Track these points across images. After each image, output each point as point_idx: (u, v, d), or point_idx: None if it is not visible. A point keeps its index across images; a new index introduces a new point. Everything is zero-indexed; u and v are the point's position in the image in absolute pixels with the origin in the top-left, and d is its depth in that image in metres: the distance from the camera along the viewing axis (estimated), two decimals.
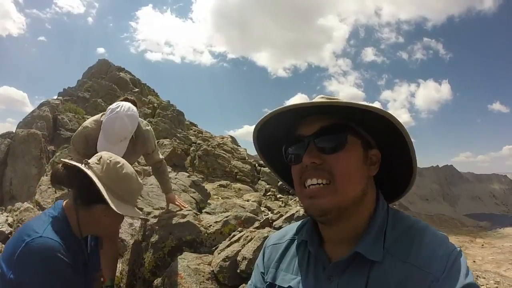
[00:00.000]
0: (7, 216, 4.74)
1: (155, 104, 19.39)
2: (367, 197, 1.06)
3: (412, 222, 1.04)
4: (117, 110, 2.94)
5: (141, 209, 4.66)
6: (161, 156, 3.97)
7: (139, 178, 1.96)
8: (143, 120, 3.64)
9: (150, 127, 3.66)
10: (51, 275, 1.57)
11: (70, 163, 1.82)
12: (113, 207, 1.73)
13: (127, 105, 3.02)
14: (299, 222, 1.30)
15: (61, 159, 1.87)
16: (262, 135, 1.19)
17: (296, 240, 1.23)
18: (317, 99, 1.10)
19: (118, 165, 1.86)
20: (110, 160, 1.85)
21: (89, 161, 1.84)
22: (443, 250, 0.93)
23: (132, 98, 3.28)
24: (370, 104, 0.97)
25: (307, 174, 1.05)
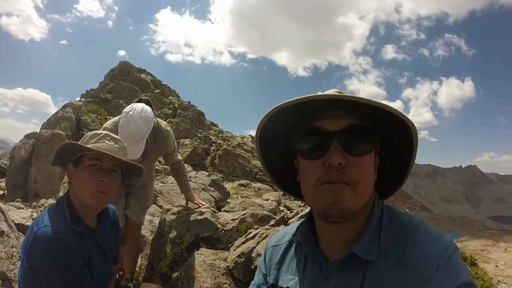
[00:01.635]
0: (31, 212, 4.89)
1: (176, 105, 19.63)
2: (369, 200, 1.06)
3: (406, 219, 1.04)
4: (130, 113, 3.02)
5: (160, 206, 4.79)
6: (179, 157, 4.03)
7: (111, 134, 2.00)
8: (163, 121, 3.73)
9: (170, 128, 3.76)
10: (57, 263, 1.67)
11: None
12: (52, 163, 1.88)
13: (140, 106, 3.08)
14: (297, 224, 1.30)
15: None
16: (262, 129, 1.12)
17: (294, 242, 1.24)
18: (333, 91, 1.07)
19: (91, 130, 1.97)
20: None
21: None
22: (437, 248, 0.93)
23: (146, 98, 3.35)
24: (399, 110, 0.96)
25: (331, 174, 0.98)
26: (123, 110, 3.12)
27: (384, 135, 1.08)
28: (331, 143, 0.99)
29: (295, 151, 1.12)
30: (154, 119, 3.43)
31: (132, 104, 3.19)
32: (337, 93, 1.02)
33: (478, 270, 5.68)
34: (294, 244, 1.23)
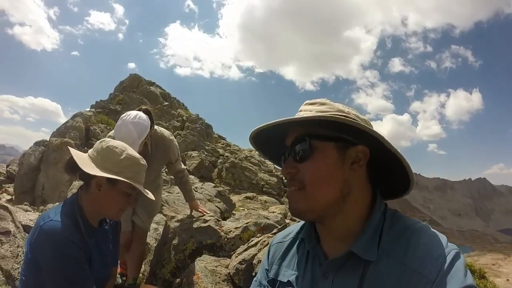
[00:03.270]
0: (39, 215, 5.00)
1: (184, 117, 19.80)
2: (351, 197, 1.06)
3: (410, 222, 1.04)
4: (124, 118, 3.06)
5: (166, 215, 4.85)
6: (183, 166, 4.07)
7: (130, 152, 2.01)
8: (167, 131, 3.79)
9: (173, 137, 3.80)
10: (59, 255, 1.73)
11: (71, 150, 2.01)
12: (86, 169, 1.85)
13: (134, 112, 3.12)
14: (302, 222, 1.29)
15: (72, 149, 2.03)
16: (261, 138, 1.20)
17: (298, 239, 1.26)
18: (302, 106, 1.15)
19: (103, 142, 2.00)
20: (99, 142, 2.01)
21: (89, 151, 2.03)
22: (440, 251, 0.92)
23: (145, 107, 3.37)
24: (316, 114, 1.04)
25: (288, 182, 1.11)
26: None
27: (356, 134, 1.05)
28: (285, 157, 1.13)
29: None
30: (157, 128, 3.49)
31: (130, 111, 3.24)
32: (305, 110, 1.11)
33: (487, 283, 5.64)
34: (298, 241, 1.25)
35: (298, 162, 1.07)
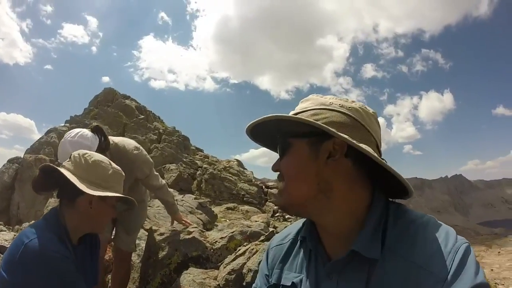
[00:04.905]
0: (14, 235, 4.80)
1: (161, 130, 19.67)
2: (335, 193, 1.00)
3: (415, 216, 0.99)
4: (65, 136, 2.91)
5: (147, 230, 4.69)
6: (161, 182, 3.78)
7: (113, 164, 1.98)
8: (132, 143, 3.51)
9: (141, 150, 3.50)
10: (53, 271, 1.62)
11: (44, 167, 1.90)
12: (85, 189, 1.77)
13: (77, 130, 2.95)
14: (301, 221, 1.26)
15: (40, 166, 1.94)
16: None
17: (298, 239, 1.21)
18: (300, 105, 1.14)
19: (86, 155, 1.91)
20: (78, 154, 1.92)
21: (63, 163, 1.92)
22: (449, 246, 0.87)
23: (96, 124, 3.15)
24: (280, 114, 1.00)
25: (277, 178, 1.12)
26: None
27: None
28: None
29: None
30: (119, 142, 3.33)
31: (74, 129, 3.07)
32: (297, 109, 1.11)
33: None
34: (299, 241, 1.20)
35: (279, 159, 1.10)
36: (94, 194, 1.79)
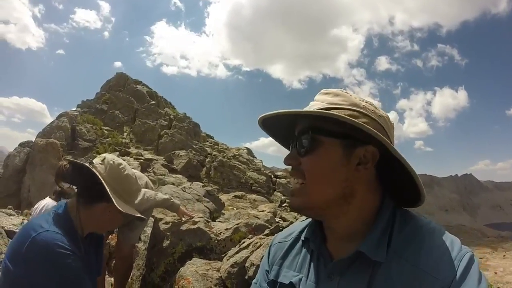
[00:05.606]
0: (22, 219, 4.85)
1: (171, 116, 19.68)
2: (356, 199, 0.99)
3: (422, 223, 0.99)
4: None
5: (153, 216, 4.73)
6: (158, 197, 3.64)
7: (138, 180, 2.03)
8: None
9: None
10: (59, 268, 1.61)
11: (75, 161, 1.90)
12: (117, 206, 1.79)
13: (42, 204, 2.87)
14: (306, 221, 1.24)
15: (66, 157, 1.96)
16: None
17: (301, 238, 1.19)
18: (317, 95, 1.09)
19: (120, 166, 1.93)
20: (113, 162, 1.91)
21: (93, 160, 1.91)
22: (454, 254, 0.88)
23: (67, 188, 2.65)
24: (322, 111, 0.95)
25: (290, 173, 1.06)
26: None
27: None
28: (291, 148, 1.09)
29: None
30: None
31: (41, 201, 2.99)
32: (316, 102, 1.06)
33: None
34: (301, 240, 1.18)
35: (300, 154, 1.01)
36: (123, 211, 1.83)
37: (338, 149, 0.98)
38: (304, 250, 1.15)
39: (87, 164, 1.86)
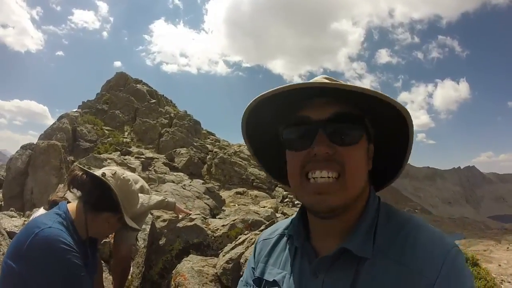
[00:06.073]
0: (24, 221, 4.92)
1: (172, 114, 19.75)
2: (364, 192, 1.00)
3: (406, 218, 0.98)
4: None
5: (151, 214, 4.81)
6: (152, 201, 3.66)
7: (140, 195, 2.22)
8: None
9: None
10: (61, 262, 1.67)
11: (90, 172, 2.01)
12: (126, 220, 1.97)
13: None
14: (290, 217, 1.21)
15: (79, 165, 2.06)
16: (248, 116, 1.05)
17: (285, 235, 1.16)
18: (320, 78, 1.01)
19: (129, 182, 2.08)
20: (123, 177, 2.05)
21: (105, 172, 2.01)
22: (440, 250, 0.86)
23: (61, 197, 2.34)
24: (387, 96, 0.88)
25: (316, 165, 0.92)
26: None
27: (378, 124, 1.01)
28: (317, 133, 0.93)
29: (284, 143, 1.04)
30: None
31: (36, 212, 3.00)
32: (325, 80, 0.98)
33: (480, 270, 5.69)
34: (286, 238, 1.16)
35: (338, 144, 0.92)
36: (129, 225, 2.02)
37: (365, 141, 0.98)
38: (288, 247, 1.13)
39: (101, 176, 1.98)
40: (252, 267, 1.23)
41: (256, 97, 0.96)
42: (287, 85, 0.90)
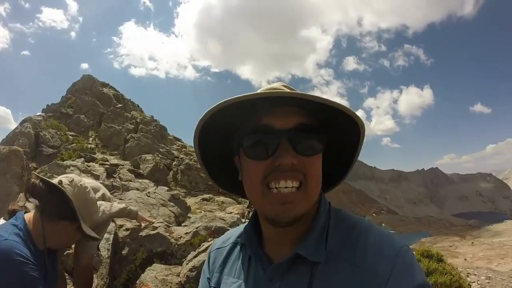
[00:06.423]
0: None
1: (138, 120, 19.49)
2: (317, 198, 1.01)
3: (355, 221, 1.00)
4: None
5: (114, 223, 4.76)
6: (114, 209, 3.44)
7: (98, 203, 2.21)
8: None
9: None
10: (18, 276, 1.66)
11: (46, 180, 1.97)
12: (83, 228, 1.95)
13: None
14: (242, 225, 1.21)
15: (36, 174, 2.02)
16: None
17: (238, 244, 1.16)
18: (278, 85, 1.03)
19: (87, 190, 2.06)
20: (81, 184, 2.04)
21: (62, 180, 1.99)
22: (390, 249, 0.89)
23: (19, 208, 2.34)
24: (348, 108, 0.91)
25: (280, 175, 0.92)
26: None
27: (332, 132, 1.02)
28: (280, 142, 0.92)
29: (238, 149, 1.03)
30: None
31: None
32: (283, 87, 1.01)
33: (445, 266, 5.87)
34: (239, 246, 1.15)
35: (302, 153, 0.93)
36: (86, 233, 1.99)
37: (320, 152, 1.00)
38: (242, 255, 1.12)
39: (58, 184, 1.96)
40: (208, 278, 1.23)
41: (216, 104, 0.92)
42: (253, 93, 0.89)
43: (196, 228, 3.98)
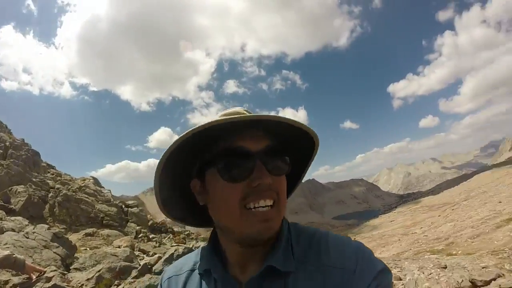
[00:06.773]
0: None
1: (7, 143, 17.36)
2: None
3: (312, 230, 1.08)
4: None
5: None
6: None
7: None
8: None
9: None
10: None
11: None
12: None
13: None
14: (195, 252, 1.21)
15: None
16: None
17: (197, 270, 1.12)
18: (241, 109, 1.08)
19: None
20: None
21: None
22: (350, 247, 0.98)
23: None
24: (312, 129, 1.02)
25: (260, 195, 0.97)
26: None
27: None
28: (256, 164, 0.98)
29: (202, 173, 1.05)
30: None
31: None
32: (245, 112, 1.07)
33: None
34: (199, 273, 1.11)
35: (273, 174, 1.00)
36: None
37: None
38: (204, 282, 1.09)
39: None
40: None
41: (182, 134, 0.94)
42: (232, 117, 0.92)
43: (99, 271, 3.45)
